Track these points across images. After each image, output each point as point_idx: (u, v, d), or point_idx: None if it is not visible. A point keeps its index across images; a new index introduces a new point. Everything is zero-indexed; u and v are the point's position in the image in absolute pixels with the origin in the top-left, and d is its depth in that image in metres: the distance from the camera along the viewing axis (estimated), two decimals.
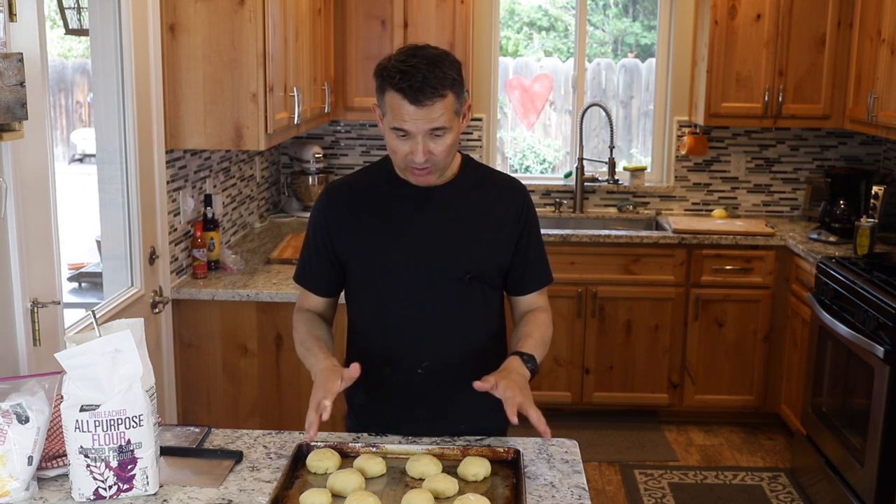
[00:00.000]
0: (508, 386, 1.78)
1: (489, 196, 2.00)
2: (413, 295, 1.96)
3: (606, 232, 4.41)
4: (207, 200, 3.49)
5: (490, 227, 1.98)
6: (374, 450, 1.83)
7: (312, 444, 1.83)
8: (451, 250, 1.95)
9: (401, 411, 2.01)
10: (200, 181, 3.54)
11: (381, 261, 1.96)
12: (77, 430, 1.62)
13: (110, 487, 1.65)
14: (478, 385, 1.79)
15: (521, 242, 2.01)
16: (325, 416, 1.72)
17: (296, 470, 1.77)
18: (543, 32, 5.25)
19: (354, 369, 1.80)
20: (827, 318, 3.59)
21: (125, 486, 1.66)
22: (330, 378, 1.80)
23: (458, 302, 1.97)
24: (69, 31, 3.21)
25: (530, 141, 5.27)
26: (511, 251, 2.00)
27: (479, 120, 4.90)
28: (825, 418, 3.68)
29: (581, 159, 4.88)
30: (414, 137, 1.82)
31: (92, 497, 1.65)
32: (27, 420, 1.65)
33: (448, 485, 1.68)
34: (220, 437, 1.95)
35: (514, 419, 1.74)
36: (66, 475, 1.72)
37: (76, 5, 3.12)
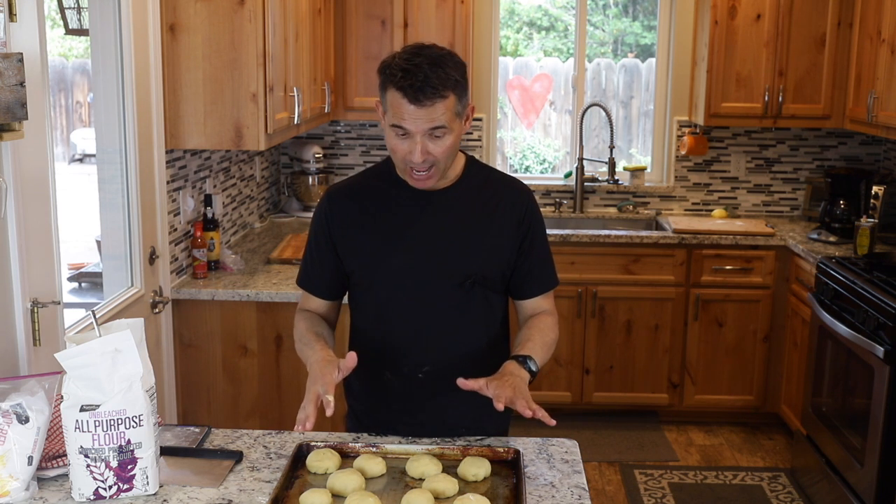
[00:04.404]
0: (500, 385, 1.74)
1: (492, 199, 1.98)
2: (414, 298, 1.94)
3: (606, 232, 4.41)
4: (207, 200, 3.49)
5: (493, 230, 1.95)
6: (374, 450, 1.83)
7: (313, 444, 1.83)
8: (452, 254, 1.93)
9: (401, 415, 2.00)
10: (200, 181, 3.54)
11: (382, 263, 1.94)
12: (77, 430, 1.61)
13: (110, 487, 1.65)
14: (463, 383, 1.74)
15: (524, 246, 1.98)
16: (329, 412, 1.67)
17: (296, 470, 1.76)
18: (543, 32, 5.25)
19: (351, 359, 1.76)
20: (827, 318, 3.59)
21: (125, 486, 1.66)
22: (326, 369, 1.76)
23: (460, 306, 1.95)
24: (69, 31, 3.21)
25: (530, 141, 5.27)
26: (514, 255, 1.97)
27: (479, 120, 4.90)
28: (825, 418, 3.68)
29: (581, 159, 4.88)
30: (413, 137, 1.79)
31: (92, 497, 1.65)
32: (27, 420, 1.65)
33: (448, 485, 1.68)
34: (220, 437, 1.95)
35: (500, 406, 1.70)
36: (66, 475, 1.72)
37: (76, 5, 3.11)
